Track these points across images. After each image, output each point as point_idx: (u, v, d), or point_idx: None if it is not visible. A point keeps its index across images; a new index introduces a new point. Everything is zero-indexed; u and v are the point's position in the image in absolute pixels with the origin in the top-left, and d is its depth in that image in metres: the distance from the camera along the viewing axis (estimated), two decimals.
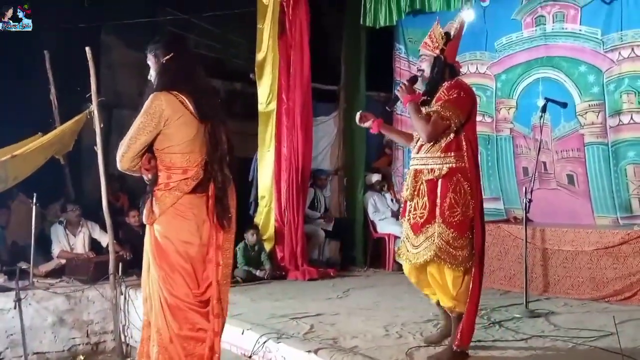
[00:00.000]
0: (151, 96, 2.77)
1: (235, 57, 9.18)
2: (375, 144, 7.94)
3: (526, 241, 4.57)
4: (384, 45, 7.46)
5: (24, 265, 5.67)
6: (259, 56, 6.51)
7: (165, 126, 2.73)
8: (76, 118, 5.72)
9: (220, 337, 2.87)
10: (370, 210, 7.17)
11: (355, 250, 7.15)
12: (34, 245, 5.58)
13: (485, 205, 6.28)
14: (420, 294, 5.21)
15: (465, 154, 3.26)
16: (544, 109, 4.74)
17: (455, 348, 3.27)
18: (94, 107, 5.49)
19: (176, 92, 2.78)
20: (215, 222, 2.81)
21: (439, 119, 3.22)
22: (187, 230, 2.79)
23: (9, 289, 5.25)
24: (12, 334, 5.14)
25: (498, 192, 6.36)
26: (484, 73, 6.50)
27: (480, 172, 3.55)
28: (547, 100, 4.77)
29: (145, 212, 2.85)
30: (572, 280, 5.10)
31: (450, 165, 3.26)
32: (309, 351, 3.51)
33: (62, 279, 5.87)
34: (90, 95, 5.44)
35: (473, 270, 3.25)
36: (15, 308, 5.00)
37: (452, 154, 3.27)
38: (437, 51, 3.33)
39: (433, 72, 3.35)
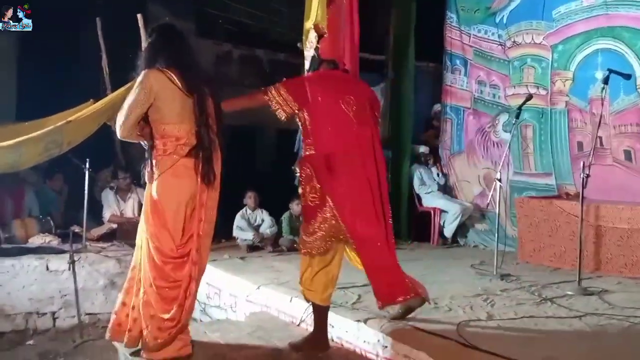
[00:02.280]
0: (142, 73, 3.12)
1: (278, 27, 9.12)
2: (423, 116, 7.82)
3: (582, 217, 4.43)
4: (435, 13, 7.27)
5: (77, 229, 5.84)
6: (307, 25, 6.40)
7: (156, 100, 3.06)
8: (127, 85, 5.74)
9: (197, 282, 3.24)
10: (416, 183, 7.09)
11: (400, 223, 7.09)
12: (86, 210, 5.72)
13: (536, 180, 6.29)
14: (467, 269, 5.23)
15: (313, 141, 3.32)
16: (605, 81, 4.54)
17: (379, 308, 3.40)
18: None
19: (165, 69, 3.11)
20: (201, 182, 3.14)
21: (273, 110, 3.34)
22: (181, 190, 3.13)
23: (63, 251, 5.43)
24: (65, 295, 5.32)
25: (550, 167, 6.18)
26: (539, 43, 6.27)
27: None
28: (610, 71, 4.57)
29: (146, 173, 3.19)
30: (627, 258, 4.96)
31: (304, 153, 3.40)
32: (358, 320, 3.52)
33: (114, 243, 6.03)
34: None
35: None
36: (69, 270, 5.17)
37: (307, 141, 3.37)
38: (312, 51, 3.53)
39: (309, 70, 3.61)
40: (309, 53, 6.34)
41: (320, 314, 3.43)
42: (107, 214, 6.28)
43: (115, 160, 6.80)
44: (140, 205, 6.38)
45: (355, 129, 3.33)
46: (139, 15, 5.41)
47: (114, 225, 6.18)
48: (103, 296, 5.54)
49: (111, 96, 5.89)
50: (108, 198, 6.32)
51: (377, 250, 3.35)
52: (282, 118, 3.36)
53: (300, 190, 3.41)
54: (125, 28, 5.84)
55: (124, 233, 6.03)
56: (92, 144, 6.08)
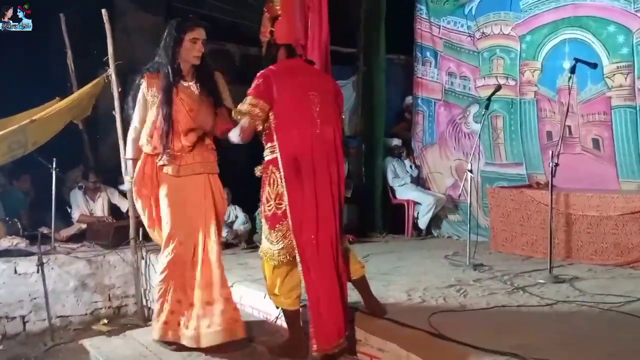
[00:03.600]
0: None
1: (250, 21, 9.03)
2: (395, 108, 7.82)
3: (551, 206, 4.48)
4: (405, 5, 7.27)
5: (45, 230, 5.72)
6: None
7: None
8: (93, 82, 5.66)
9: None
10: (389, 176, 7.10)
11: (374, 216, 7.11)
12: (54, 210, 5.61)
13: (507, 170, 6.34)
14: (441, 259, 5.25)
15: (277, 144, 3.09)
16: (572, 70, 4.58)
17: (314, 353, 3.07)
18: (111, 71, 5.44)
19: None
20: None
21: (240, 120, 3.12)
22: None
23: (31, 254, 5.31)
24: (35, 298, 5.21)
25: (520, 157, 6.23)
26: (508, 34, 6.31)
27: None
28: (577, 60, 4.61)
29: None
30: (597, 246, 5.03)
31: (266, 157, 3.17)
32: None
33: (83, 243, 5.92)
34: (107, 59, 5.39)
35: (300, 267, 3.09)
36: (38, 272, 5.06)
37: (268, 144, 3.16)
38: (268, 35, 3.23)
39: (265, 57, 3.25)
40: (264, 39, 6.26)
41: (291, 318, 3.30)
42: (76, 215, 6.16)
43: (84, 158, 6.68)
44: (110, 205, 6.29)
45: (319, 131, 3.11)
46: (103, 11, 5.31)
47: (84, 226, 6.07)
48: (74, 298, 5.44)
49: (77, 93, 5.78)
50: (77, 198, 6.20)
51: (326, 283, 3.08)
52: (260, 128, 3.13)
53: (264, 196, 3.18)
54: (91, 23, 5.73)
55: (94, 233, 5.92)
56: (60, 144, 5.97)
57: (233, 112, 3.18)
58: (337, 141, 3.19)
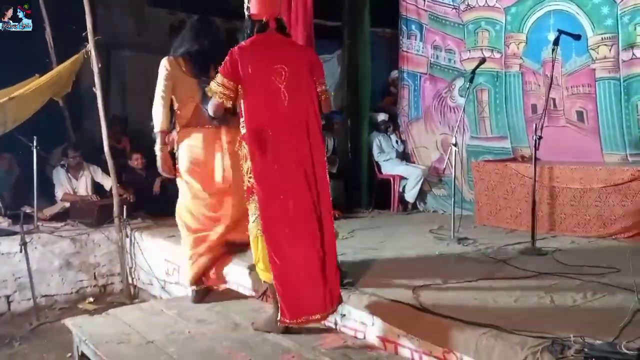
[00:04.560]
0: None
1: None
2: (381, 82, 7.78)
3: (535, 179, 4.49)
4: None
5: (28, 209, 5.67)
6: None
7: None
8: (73, 58, 5.57)
9: None
10: (375, 151, 7.08)
11: (360, 191, 7.10)
12: (37, 189, 5.55)
13: (492, 144, 6.35)
14: (426, 234, 5.27)
15: (245, 119, 3.09)
16: (556, 42, 4.55)
17: (279, 324, 3.16)
18: (90, 46, 5.34)
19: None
20: None
21: (210, 98, 3.19)
22: None
23: (14, 233, 5.27)
24: (19, 277, 5.19)
25: (505, 130, 6.24)
26: (493, 6, 6.25)
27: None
28: (560, 32, 4.57)
29: None
30: (580, 218, 5.07)
31: (241, 133, 3.17)
32: None
33: (67, 222, 5.87)
34: (87, 34, 5.29)
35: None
36: (21, 252, 5.02)
37: (241, 120, 3.15)
38: (246, 12, 3.22)
39: (244, 34, 3.24)
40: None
41: (274, 292, 3.27)
42: (59, 193, 6.10)
43: (66, 136, 6.60)
44: (93, 183, 6.24)
45: (287, 104, 3.07)
46: None
47: (67, 204, 6.01)
48: (59, 277, 5.43)
49: (56, 70, 5.69)
50: (59, 176, 6.13)
51: (297, 257, 3.07)
52: (229, 105, 3.14)
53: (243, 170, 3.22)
54: (29, 17, 5.65)
55: (77, 212, 5.87)
56: (42, 122, 5.89)
57: (207, 90, 3.20)
58: (310, 114, 3.15)
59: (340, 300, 3.22)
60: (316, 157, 3.14)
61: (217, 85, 3.10)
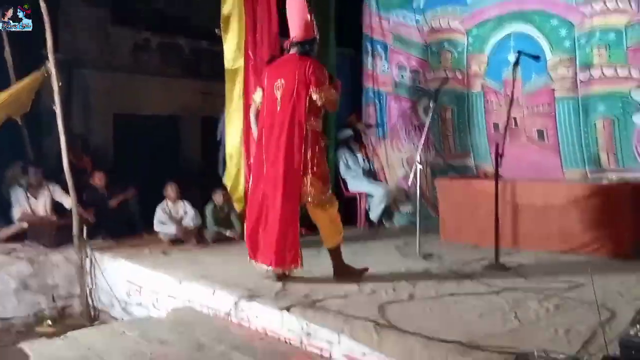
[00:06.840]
0: None
1: (199, 14, 8.87)
2: (347, 100, 7.80)
3: (497, 196, 4.56)
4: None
5: None
6: (224, 10, 6.24)
7: None
8: (31, 76, 5.45)
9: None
10: (342, 168, 7.08)
11: None
12: None
13: (456, 161, 6.43)
14: (392, 250, 5.28)
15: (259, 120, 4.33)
16: (516, 62, 4.68)
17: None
18: (51, 64, 5.24)
19: None
20: None
21: None
22: None
23: None
24: None
25: (468, 148, 6.34)
26: (455, 28, 6.39)
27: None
28: (520, 53, 4.70)
29: None
30: (542, 233, 5.14)
31: None
32: (282, 308, 3.47)
33: (25, 243, 5.68)
34: (47, 52, 5.20)
35: None
36: None
37: None
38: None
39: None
40: (228, 36, 6.16)
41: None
42: (17, 213, 5.91)
43: (25, 154, 6.43)
44: (53, 203, 6.06)
45: (280, 109, 4.03)
46: (41, 2, 5.10)
47: (25, 225, 5.83)
48: (15, 299, 5.22)
49: (14, 88, 5.56)
50: (18, 196, 5.94)
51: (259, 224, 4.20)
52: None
53: None
54: (31, 15, 5.53)
55: (35, 232, 5.69)
56: None
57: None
58: (294, 115, 3.99)
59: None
60: (294, 147, 4.00)
61: (256, 94, 4.33)
